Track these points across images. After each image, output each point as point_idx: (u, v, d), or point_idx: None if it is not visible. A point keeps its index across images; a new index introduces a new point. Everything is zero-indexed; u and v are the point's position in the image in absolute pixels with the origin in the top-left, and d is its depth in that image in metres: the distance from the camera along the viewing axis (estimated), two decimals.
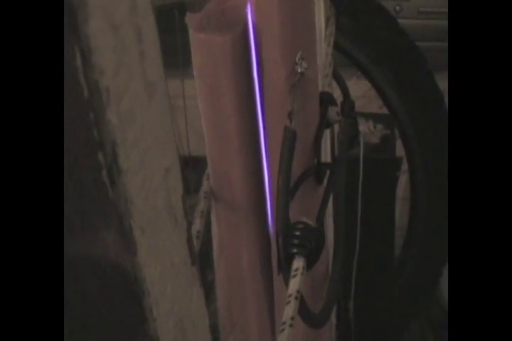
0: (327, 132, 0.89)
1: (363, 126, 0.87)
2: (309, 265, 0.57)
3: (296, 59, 0.62)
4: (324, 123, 0.68)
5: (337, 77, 0.92)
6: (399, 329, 1.09)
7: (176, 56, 1.04)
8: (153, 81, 0.29)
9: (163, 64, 0.31)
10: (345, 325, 0.87)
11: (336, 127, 0.88)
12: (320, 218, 0.60)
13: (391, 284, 1.00)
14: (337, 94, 0.92)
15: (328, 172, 0.67)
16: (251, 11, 0.62)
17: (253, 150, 0.64)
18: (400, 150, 1.03)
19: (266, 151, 0.65)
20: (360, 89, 1.13)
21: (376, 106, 1.08)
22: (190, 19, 0.62)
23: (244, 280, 0.69)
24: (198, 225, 0.60)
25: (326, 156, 0.78)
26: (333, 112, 0.70)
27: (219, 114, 0.62)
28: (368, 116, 0.89)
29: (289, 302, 0.53)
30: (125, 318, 0.28)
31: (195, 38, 0.61)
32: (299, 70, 0.62)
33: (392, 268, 0.99)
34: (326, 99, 0.70)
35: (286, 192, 0.59)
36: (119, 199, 0.26)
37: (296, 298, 0.53)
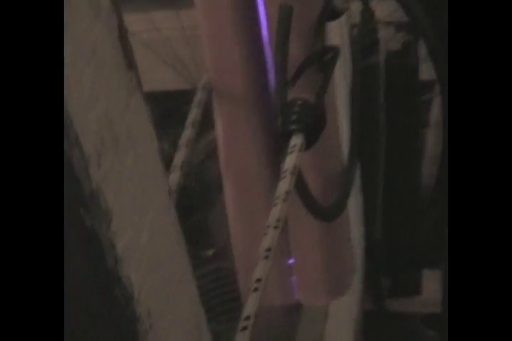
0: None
1: (384, 33, 0.82)
2: (309, 142, 0.53)
3: None
4: (328, 7, 0.63)
5: None
6: (426, 261, 1.04)
7: None
8: None
9: None
10: (373, 246, 0.83)
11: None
12: (320, 94, 0.56)
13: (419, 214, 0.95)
14: None
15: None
16: None
17: (252, 36, 0.60)
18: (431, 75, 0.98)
19: (268, 37, 0.61)
20: (384, 10, 1.08)
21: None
22: None
23: (255, 182, 0.65)
24: (193, 115, 0.57)
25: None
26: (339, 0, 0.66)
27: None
28: (388, 23, 0.84)
29: (284, 177, 0.49)
30: None
31: None
32: None
33: (418, 192, 0.94)
34: None
35: (283, 70, 0.55)
36: None
37: (292, 174, 0.49)
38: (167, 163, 0.59)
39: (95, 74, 0.28)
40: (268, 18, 0.61)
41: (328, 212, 0.59)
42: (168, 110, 1.24)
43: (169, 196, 0.33)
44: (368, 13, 0.83)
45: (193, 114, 0.57)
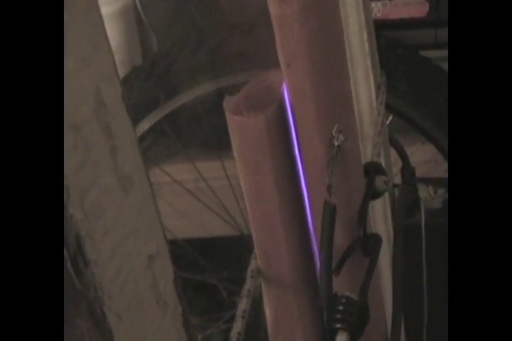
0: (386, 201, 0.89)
1: (423, 192, 0.86)
2: (353, 340, 0.56)
3: (333, 132, 0.63)
4: (370, 194, 0.67)
5: (394, 143, 0.92)
6: None
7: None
8: (128, 174, 0.31)
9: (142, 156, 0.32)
10: None
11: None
12: (363, 291, 0.59)
13: None
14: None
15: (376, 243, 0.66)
16: (287, 90, 0.64)
17: (299, 226, 0.65)
18: None
19: (313, 227, 0.65)
20: (426, 154, 1.12)
21: (444, 170, 1.07)
22: (227, 102, 0.64)
23: None
24: (244, 305, 0.61)
25: (378, 226, 0.77)
26: (380, 182, 0.70)
27: (261, 193, 0.64)
28: (427, 181, 0.88)
29: None
30: None
31: (231, 120, 0.63)
32: (336, 143, 0.63)
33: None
34: (372, 170, 0.70)
35: (328, 268, 0.59)
36: (87, 289, 0.28)
37: None
38: None
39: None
40: (312, 206, 0.65)
41: None
42: (215, 255, 1.28)
43: None
44: (408, 173, 0.87)
45: (243, 304, 0.60)
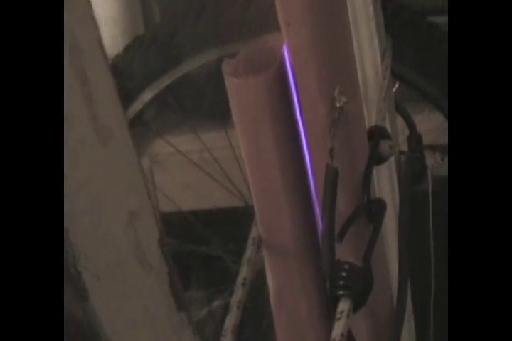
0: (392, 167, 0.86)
1: (430, 159, 0.84)
2: (356, 307, 0.54)
3: (335, 93, 0.61)
4: (374, 158, 0.65)
5: (401, 111, 0.90)
6: None
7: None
8: (106, 124, 0.29)
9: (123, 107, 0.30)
10: None
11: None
12: (367, 258, 0.57)
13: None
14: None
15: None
16: (287, 51, 0.62)
17: (301, 192, 0.63)
18: None
19: (315, 192, 0.63)
20: (433, 122, 1.10)
21: None
22: (226, 65, 0.62)
23: (306, 330, 0.66)
24: (244, 272, 0.59)
25: (384, 193, 0.75)
26: (385, 146, 0.68)
27: (261, 158, 0.62)
28: (434, 148, 0.86)
29: None
30: None
31: (230, 83, 0.61)
32: (338, 105, 0.61)
33: None
34: (376, 133, 0.68)
35: (330, 234, 0.57)
36: None
37: None
38: None
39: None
40: (314, 171, 0.63)
41: None
42: (220, 227, 1.26)
43: None
44: (415, 140, 0.85)
45: (244, 271, 0.59)
